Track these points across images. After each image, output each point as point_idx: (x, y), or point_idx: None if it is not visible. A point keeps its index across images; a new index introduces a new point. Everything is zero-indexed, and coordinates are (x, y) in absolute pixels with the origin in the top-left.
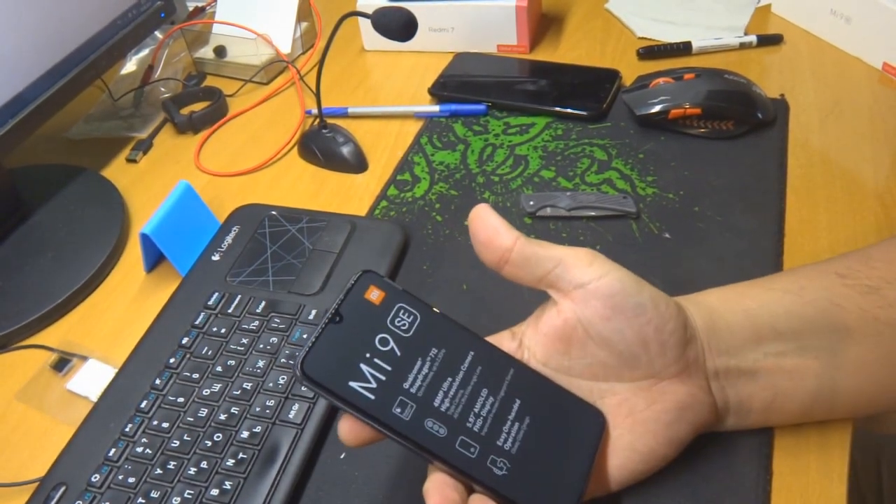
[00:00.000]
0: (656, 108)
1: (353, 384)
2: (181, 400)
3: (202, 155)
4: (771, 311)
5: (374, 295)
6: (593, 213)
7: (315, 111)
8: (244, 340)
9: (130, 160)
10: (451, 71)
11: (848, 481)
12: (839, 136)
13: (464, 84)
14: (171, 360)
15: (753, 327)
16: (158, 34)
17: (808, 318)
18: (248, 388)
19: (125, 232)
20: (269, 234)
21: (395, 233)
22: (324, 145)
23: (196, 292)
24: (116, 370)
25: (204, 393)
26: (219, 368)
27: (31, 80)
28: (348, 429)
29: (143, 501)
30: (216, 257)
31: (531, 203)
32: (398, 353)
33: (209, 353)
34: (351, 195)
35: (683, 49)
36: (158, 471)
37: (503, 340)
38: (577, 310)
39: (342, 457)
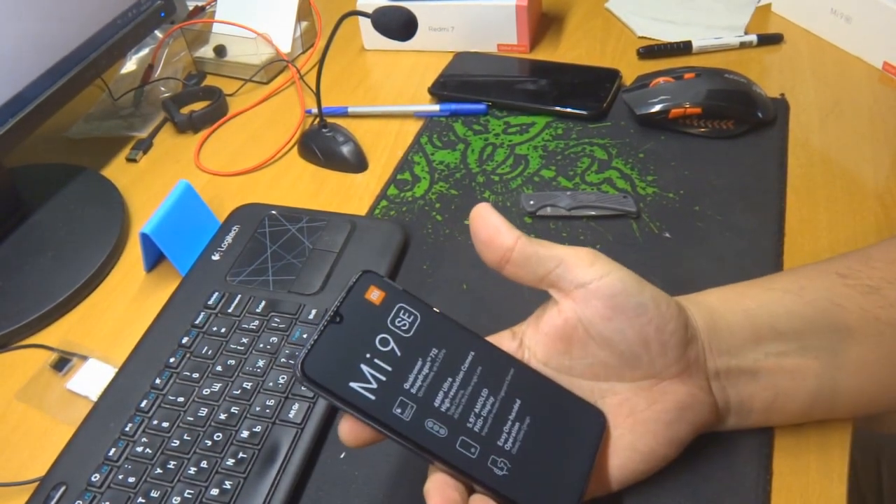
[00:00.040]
0: (656, 108)
1: (353, 385)
2: (181, 399)
3: (202, 154)
4: (771, 311)
5: (375, 295)
6: (593, 213)
7: (315, 110)
8: (244, 340)
9: (130, 160)
10: (451, 70)
11: (848, 481)
12: (839, 136)
13: (464, 83)
14: (171, 360)
15: (754, 327)
16: (158, 33)
17: (808, 318)
18: (248, 387)
19: (125, 232)
20: (269, 234)
21: (395, 232)
22: (324, 145)
23: (196, 292)
24: (116, 370)
25: (204, 392)
26: (219, 368)
27: (31, 80)
28: (348, 429)
29: (143, 501)
30: (216, 257)
31: (531, 202)
32: (398, 354)
33: (209, 352)
34: (351, 195)
35: (683, 48)
36: (158, 470)
37: (503, 340)
38: (578, 309)
39: (342, 456)
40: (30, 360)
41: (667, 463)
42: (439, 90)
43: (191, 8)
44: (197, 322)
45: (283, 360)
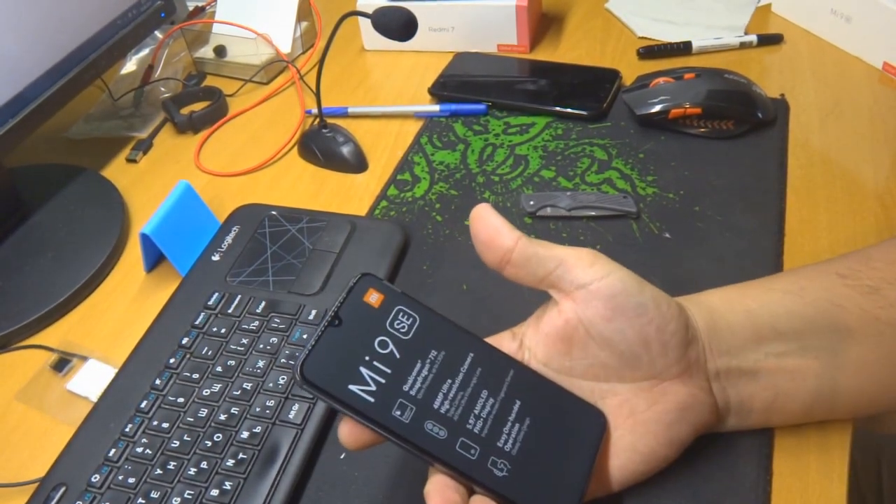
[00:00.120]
0: (656, 108)
1: (352, 387)
2: (181, 400)
3: (202, 155)
4: (772, 312)
5: (373, 298)
6: (593, 213)
7: (315, 111)
8: (244, 340)
9: (130, 160)
10: (451, 71)
11: (848, 481)
12: (839, 136)
13: (464, 84)
14: (171, 361)
15: (754, 327)
16: (158, 34)
17: (808, 319)
18: (248, 388)
19: (125, 232)
20: (269, 234)
21: (395, 233)
22: (324, 145)
23: (196, 292)
24: (116, 370)
25: (204, 393)
26: (219, 368)
27: (32, 80)
28: (348, 432)
29: (143, 502)
30: (216, 257)
31: (531, 203)
32: (397, 356)
33: (209, 353)
34: (351, 195)
35: (683, 49)
36: (158, 471)
37: (503, 341)
38: (578, 310)
39: (342, 457)
40: (30, 360)
41: (667, 464)
42: (439, 90)
43: (191, 8)
44: (197, 322)
45: (283, 360)
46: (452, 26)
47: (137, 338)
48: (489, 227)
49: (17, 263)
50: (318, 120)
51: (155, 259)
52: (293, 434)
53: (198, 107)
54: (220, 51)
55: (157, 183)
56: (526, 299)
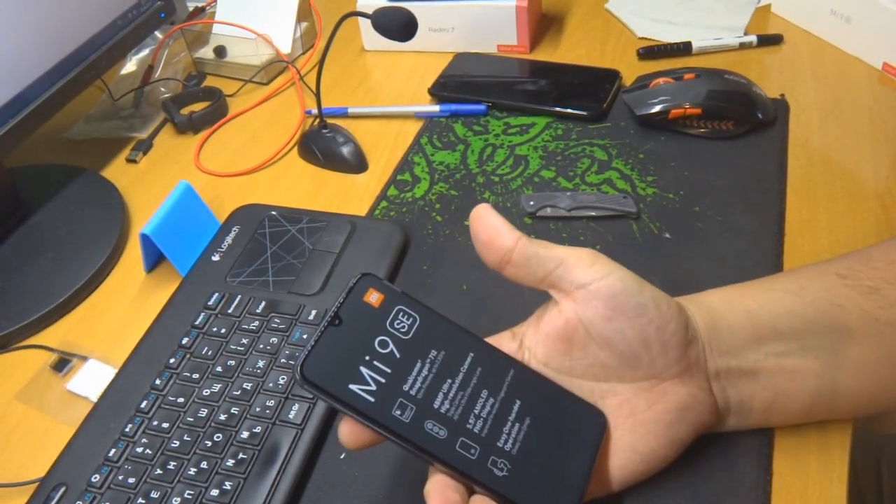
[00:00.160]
0: (656, 108)
1: (352, 387)
2: (181, 400)
3: (202, 155)
4: (772, 312)
5: (374, 297)
6: (593, 213)
7: (315, 111)
8: (244, 341)
9: (130, 160)
10: (451, 71)
11: (848, 481)
12: (839, 136)
13: (464, 84)
14: (171, 361)
15: (754, 327)
16: (158, 34)
17: (808, 319)
18: (248, 388)
19: (125, 232)
20: (269, 235)
21: (395, 233)
22: (324, 145)
23: (196, 292)
24: (116, 370)
25: (204, 393)
26: (219, 369)
27: (32, 80)
28: (348, 431)
29: (143, 502)
30: (216, 257)
31: (531, 203)
32: (398, 356)
33: (209, 353)
34: (351, 195)
35: (683, 49)
36: (158, 471)
37: (503, 341)
38: (578, 310)
39: (342, 457)
40: (30, 360)
41: (667, 464)
42: (439, 91)
43: (191, 9)
44: (197, 323)
45: (283, 360)
46: (452, 27)
47: (137, 338)
48: (489, 227)
49: (17, 263)
50: (318, 120)
51: (155, 259)
52: (293, 434)
53: (198, 107)
54: (220, 51)
55: (157, 183)
56: (526, 299)
